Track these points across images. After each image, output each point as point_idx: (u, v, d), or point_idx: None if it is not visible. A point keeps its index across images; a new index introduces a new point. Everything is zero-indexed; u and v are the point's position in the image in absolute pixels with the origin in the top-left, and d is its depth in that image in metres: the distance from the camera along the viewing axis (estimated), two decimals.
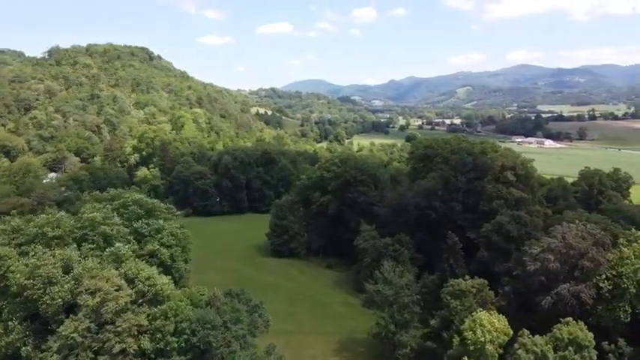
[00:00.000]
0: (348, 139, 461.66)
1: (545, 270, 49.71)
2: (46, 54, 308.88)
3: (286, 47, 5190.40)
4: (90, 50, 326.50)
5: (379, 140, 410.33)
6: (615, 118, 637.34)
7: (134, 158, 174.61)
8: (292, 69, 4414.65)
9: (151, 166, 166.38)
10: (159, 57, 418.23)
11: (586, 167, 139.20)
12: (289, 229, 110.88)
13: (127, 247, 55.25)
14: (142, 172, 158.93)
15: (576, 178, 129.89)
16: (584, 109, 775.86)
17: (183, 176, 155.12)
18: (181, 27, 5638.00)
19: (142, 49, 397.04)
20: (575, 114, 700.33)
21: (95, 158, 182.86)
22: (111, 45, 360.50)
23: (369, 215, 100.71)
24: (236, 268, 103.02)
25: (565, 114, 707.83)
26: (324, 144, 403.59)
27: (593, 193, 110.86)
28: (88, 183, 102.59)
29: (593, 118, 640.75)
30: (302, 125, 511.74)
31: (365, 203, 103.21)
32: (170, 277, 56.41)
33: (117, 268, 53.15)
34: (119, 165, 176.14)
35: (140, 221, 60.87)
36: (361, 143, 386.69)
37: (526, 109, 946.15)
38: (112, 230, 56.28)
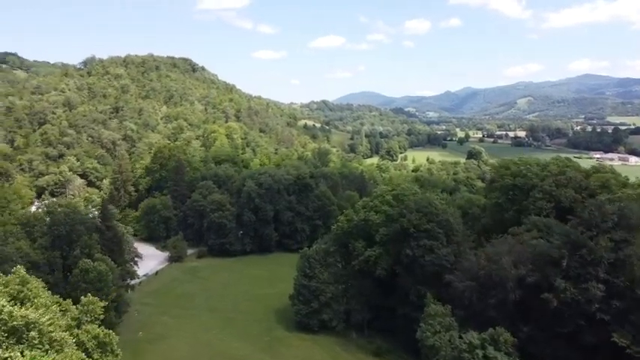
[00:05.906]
0: (401, 153, 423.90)
1: None
2: (82, 64, 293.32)
3: (338, 60, 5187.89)
4: (127, 61, 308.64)
5: (437, 155, 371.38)
6: None
7: (145, 182, 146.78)
8: (344, 82, 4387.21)
9: (165, 191, 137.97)
10: (202, 68, 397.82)
11: None
12: (320, 293, 78.10)
13: None
14: (150, 200, 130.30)
15: None
16: None
17: (198, 206, 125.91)
18: (238, 42, 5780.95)
19: (185, 60, 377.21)
20: None
21: (104, 181, 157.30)
22: (151, 55, 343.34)
23: (437, 285, 66.15)
24: (240, 354, 71.07)
25: None
26: (375, 159, 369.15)
27: None
28: (42, 228, 73.59)
29: None
30: (352, 139, 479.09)
31: (432, 265, 68.28)
32: None
33: None
34: (132, 189, 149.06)
35: None
36: (417, 159, 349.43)
37: (594, 121, 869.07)
38: None
